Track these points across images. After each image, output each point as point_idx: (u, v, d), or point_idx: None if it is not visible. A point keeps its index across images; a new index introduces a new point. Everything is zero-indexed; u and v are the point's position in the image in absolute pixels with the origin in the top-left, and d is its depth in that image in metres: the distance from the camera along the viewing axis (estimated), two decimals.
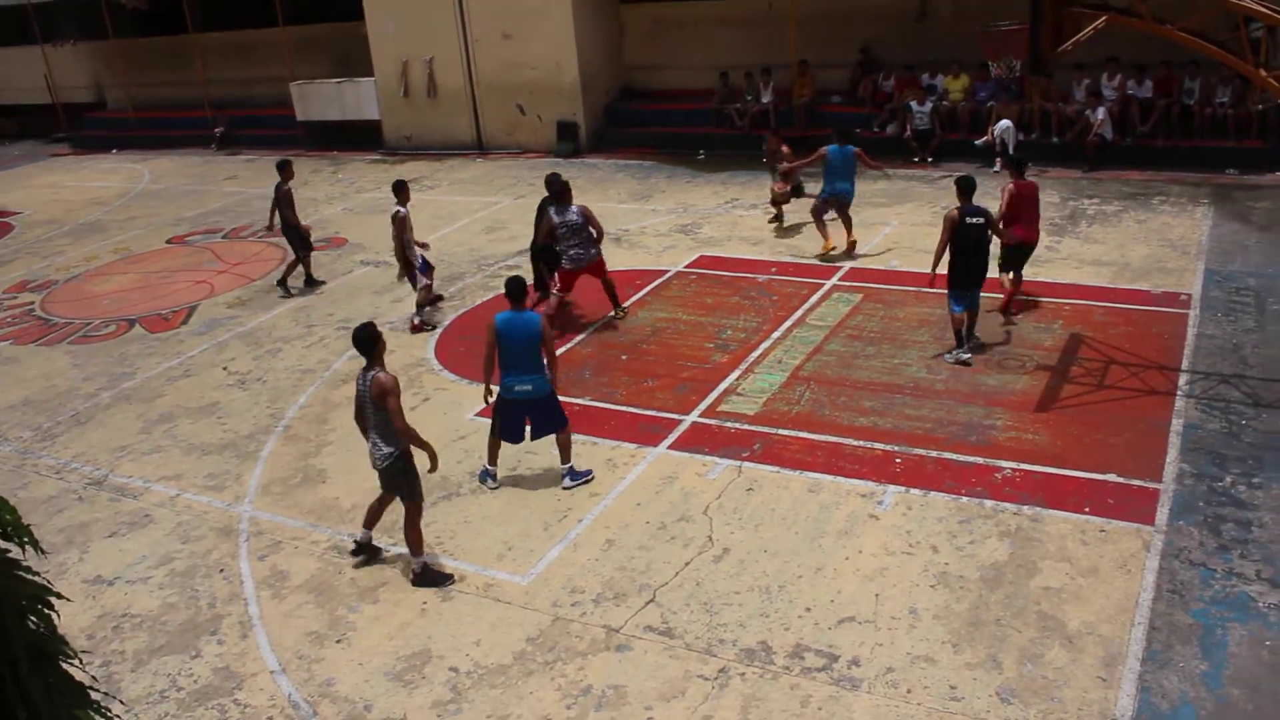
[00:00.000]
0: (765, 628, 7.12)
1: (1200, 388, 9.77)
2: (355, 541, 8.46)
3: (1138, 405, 9.55)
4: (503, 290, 9.03)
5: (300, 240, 14.98)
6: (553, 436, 9.20)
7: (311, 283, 15.28)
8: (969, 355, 10.72)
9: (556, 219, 12.15)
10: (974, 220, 10.56)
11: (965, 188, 10.68)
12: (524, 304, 8.92)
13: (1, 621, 3.17)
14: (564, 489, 9.07)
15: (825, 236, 14.15)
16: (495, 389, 9.04)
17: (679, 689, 6.66)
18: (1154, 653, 6.56)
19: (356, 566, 8.31)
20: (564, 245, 12.18)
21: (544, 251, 12.57)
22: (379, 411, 7.78)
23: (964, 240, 10.55)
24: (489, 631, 7.40)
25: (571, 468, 9.15)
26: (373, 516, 8.36)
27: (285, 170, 14.68)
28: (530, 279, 12.30)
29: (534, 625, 7.41)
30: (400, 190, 12.98)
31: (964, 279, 10.66)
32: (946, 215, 10.71)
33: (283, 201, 14.66)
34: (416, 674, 7.07)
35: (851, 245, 14.18)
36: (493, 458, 9.30)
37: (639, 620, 7.33)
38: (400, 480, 7.96)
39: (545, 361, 8.86)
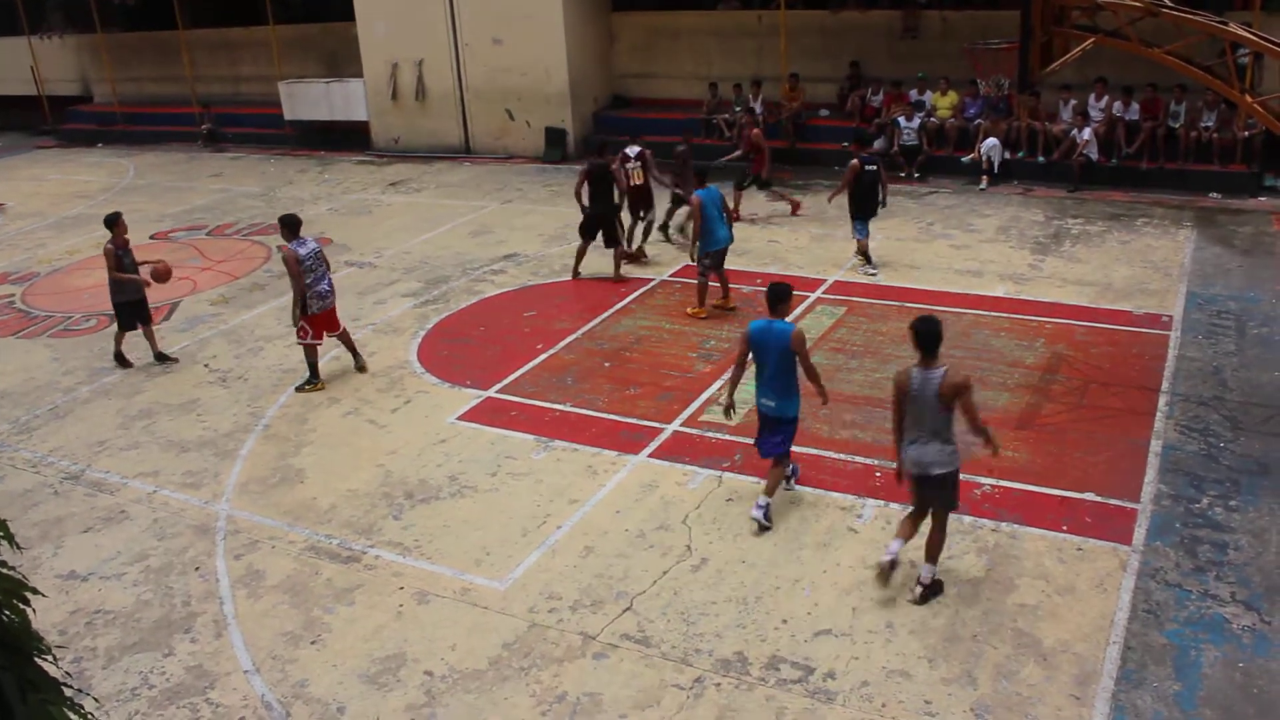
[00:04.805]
0: (742, 638, 7.12)
1: (1180, 409, 9.83)
2: None
3: (1117, 425, 9.60)
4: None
5: (130, 310, 12.47)
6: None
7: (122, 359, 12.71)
8: (876, 271, 13.87)
9: (301, 251, 11.26)
10: (870, 167, 13.63)
11: (864, 139, 14.86)
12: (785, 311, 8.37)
13: None
14: (751, 516, 8.39)
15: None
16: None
17: (654, 698, 6.64)
18: (1128, 672, 6.58)
19: None
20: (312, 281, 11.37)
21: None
22: None
23: (864, 182, 13.56)
24: (465, 636, 7.37)
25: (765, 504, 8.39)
26: None
27: (114, 225, 12.26)
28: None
29: (510, 631, 7.38)
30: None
31: (864, 211, 13.74)
32: (850, 165, 13.58)
33: (110, 257, 12.22)
34: (391, 677, 7.03)
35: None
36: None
37: (616, 628, 7.31)
38: None
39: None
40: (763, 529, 8.27)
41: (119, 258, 12.25)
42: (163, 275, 12.34)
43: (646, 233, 15.17)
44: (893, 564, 7.32)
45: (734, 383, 8.51)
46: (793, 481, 8.82)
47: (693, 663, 6.93)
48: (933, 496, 7.31)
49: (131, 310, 12.49)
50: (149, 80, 29.19)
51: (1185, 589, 7.33)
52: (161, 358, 12.69)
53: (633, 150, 14.69)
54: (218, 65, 28.15)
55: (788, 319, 8.36)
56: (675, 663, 6.94)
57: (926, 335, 7.06)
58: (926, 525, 7.42)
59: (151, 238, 18.68)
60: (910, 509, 7.53)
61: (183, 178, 23.89)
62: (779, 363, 8.13)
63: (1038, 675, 6.60)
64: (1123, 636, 6.89)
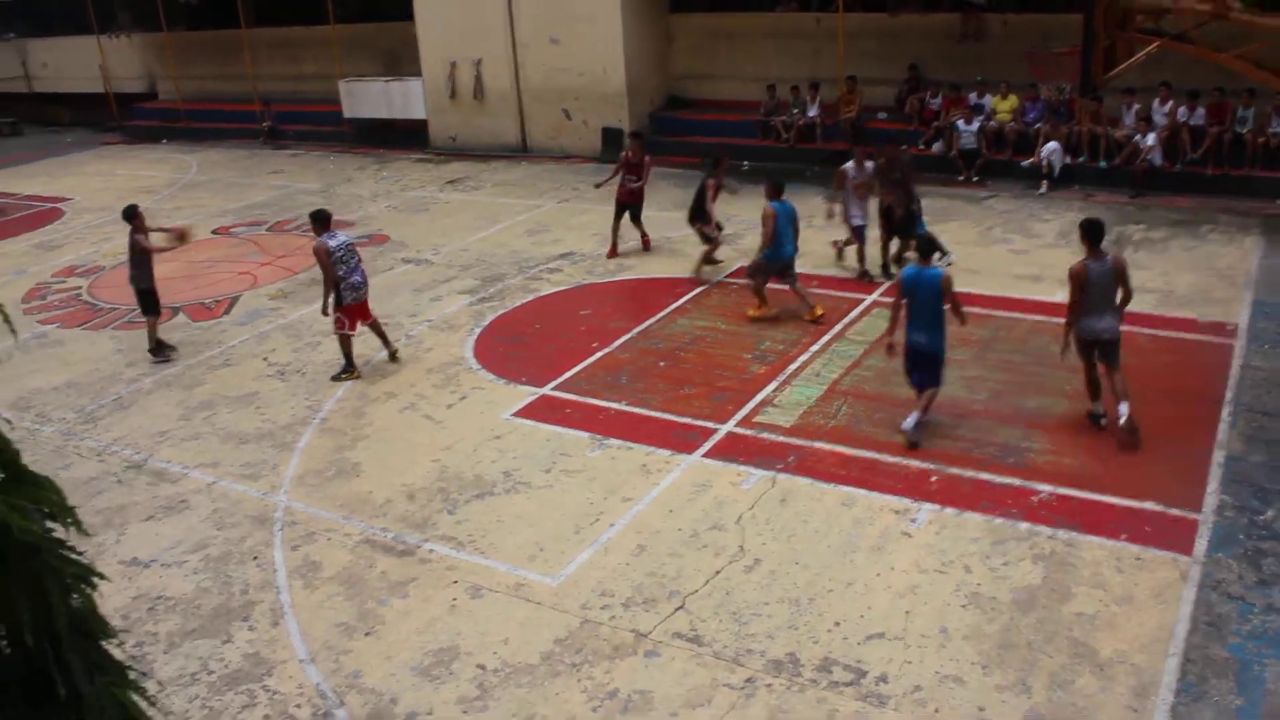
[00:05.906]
0: (794, 640, 7.10)
1: (1244, 420, 9.64)
2: None
3: (1179, 434, 9.44)
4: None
5: (150, 301, 12.93)
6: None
7: (159, 350, 13.07)
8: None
9: (331, 244, 11.50)
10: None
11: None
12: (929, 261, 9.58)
13: (46, 598, 3.21)
14: (900, 429, 9.58)
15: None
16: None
17: (705, 697, 6.65)
18: (1188, 685, 6.47)
19: None
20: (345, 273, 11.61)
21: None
22: None
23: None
24: (517, 631, 7.42)
25: (916, 419, 9.59)
26: None
27: (135, 218, 12.63)
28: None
29: (563, 626, 7.42)
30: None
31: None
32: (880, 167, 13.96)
33: (133, 255, 12.74)
34: (444, 669, 7.10)
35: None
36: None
37: (668, 626, 7.33)
38: None
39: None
40: (911, 444, 9.44)
41: (142, 244, 12.70)
42: (184, 236, 13.15)
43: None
44: (1130, 426, 9.09)
45: (894, 320, 9.70)
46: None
47: (744, 663, 6.92)
48: (1108, 354, 9.19)
49: (148, 296, 12.88)
50: (212, 78, 29.66)
51: (1248, 602, 7.19)
52: (160, 347, 13.07)
53: (870, 165, 13.98)
54: (279, 63, 28.54)
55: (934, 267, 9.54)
56: (727, 662, 6.93)
57: (1094, 230, 9.04)
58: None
59: (214, 232, 18.99)
60: (1086, 377, 9.47)
61: (244, 174, 24.26)
62: (930, 305, 9.34)
63: (1094, 686, 6.52)
64: (1182, 649, 6.77)
